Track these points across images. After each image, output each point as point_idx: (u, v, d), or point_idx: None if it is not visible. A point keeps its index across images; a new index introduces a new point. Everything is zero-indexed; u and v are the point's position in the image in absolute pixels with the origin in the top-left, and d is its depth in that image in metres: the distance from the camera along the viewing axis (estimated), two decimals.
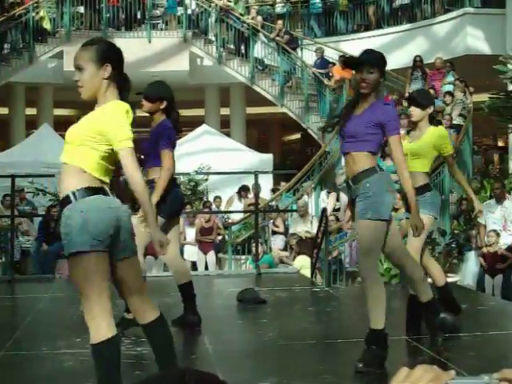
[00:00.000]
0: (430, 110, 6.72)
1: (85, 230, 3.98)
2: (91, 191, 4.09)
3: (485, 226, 11.70)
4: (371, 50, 5.75)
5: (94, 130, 4.10)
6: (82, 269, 4.03)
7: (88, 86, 4.18)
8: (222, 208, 16.62)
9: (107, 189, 4.18)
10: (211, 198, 16.73)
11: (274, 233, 15.05)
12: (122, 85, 4.28)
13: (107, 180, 4.19)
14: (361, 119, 5.36)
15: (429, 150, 6.59)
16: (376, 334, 5.37)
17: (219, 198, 16.64)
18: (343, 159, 5.67)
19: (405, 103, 17.68)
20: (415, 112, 6.68)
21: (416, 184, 6.18)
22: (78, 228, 3.99)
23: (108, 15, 21.62)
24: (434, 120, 6.83)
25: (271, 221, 15.24)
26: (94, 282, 4.05)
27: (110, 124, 4.07)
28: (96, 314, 4.04)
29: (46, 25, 21.59)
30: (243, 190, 16.80)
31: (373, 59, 5.43)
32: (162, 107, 6.57)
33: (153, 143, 6.45)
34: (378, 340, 5.38)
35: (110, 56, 4.25)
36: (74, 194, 4.07)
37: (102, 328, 4.06)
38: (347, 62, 5.85)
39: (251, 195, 16.26)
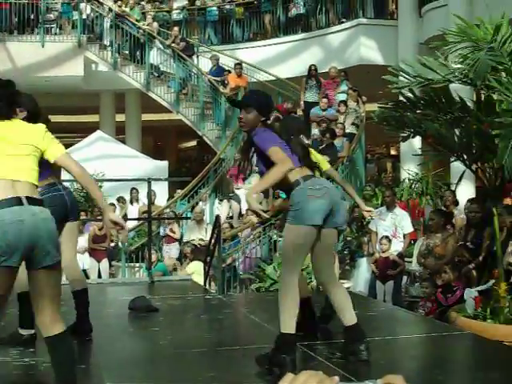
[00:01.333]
0: None
1: None
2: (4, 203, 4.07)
3: (376, 233, 11.89)
4: (255, 91, 6.37)
5: None
6: None
7: None
8: (117, 215, 16.48)
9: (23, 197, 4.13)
10: None
11: (169, 241, 14.95)
12: None
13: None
14: (256, 156, 5.71)
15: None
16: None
17: (113, 204, 16.48)
18: None
19: (299, 111, 17.91)
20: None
21: None
22: None
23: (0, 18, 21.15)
24: None
25: (166, 227, 15.18)
26: None
27: None
28: None
29: None
30: (132, 194, 16.86)
31: (249, 100, 5.80)
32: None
33: None
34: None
35: None
36: None
37: None
38: (230, 102, 6.21)
39: (140, 197, 16.34)
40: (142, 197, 16.51)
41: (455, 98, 7.81)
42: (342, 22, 20.69)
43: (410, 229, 11.97)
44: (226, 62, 21.10)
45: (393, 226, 11.82)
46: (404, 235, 11.87)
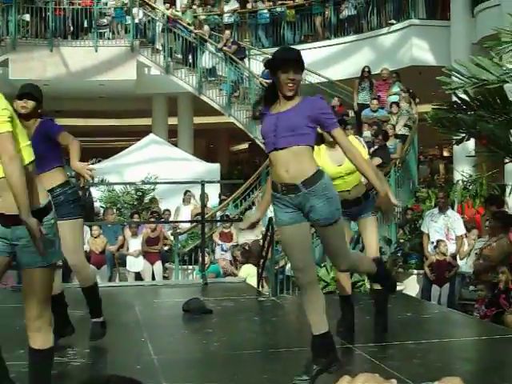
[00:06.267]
0: None
1: None
2: None
3: (428, 235, 11.80)
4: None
5: None
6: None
7: None
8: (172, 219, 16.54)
9: None
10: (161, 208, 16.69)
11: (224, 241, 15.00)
12: None
13: None
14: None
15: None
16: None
17: (168, 210, 16.56)
18: None
19: (352, 113, 17.86)
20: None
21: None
22: None
23: (54, 23, 21.38)
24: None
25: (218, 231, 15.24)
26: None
27: None
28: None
29: None
30: (185, 195, 16.88)
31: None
32: None
33: None
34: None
35: None
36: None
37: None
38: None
39: (193, 201, 16.38)
40: (193, 199, 16.64)
41: (510, 98, 7.73)
42: (391, 24, 20.53)
43: (462, 231, 11.88)
44: None
45: (445, 228, 11.73)
46: (456, 237, 11.78)
